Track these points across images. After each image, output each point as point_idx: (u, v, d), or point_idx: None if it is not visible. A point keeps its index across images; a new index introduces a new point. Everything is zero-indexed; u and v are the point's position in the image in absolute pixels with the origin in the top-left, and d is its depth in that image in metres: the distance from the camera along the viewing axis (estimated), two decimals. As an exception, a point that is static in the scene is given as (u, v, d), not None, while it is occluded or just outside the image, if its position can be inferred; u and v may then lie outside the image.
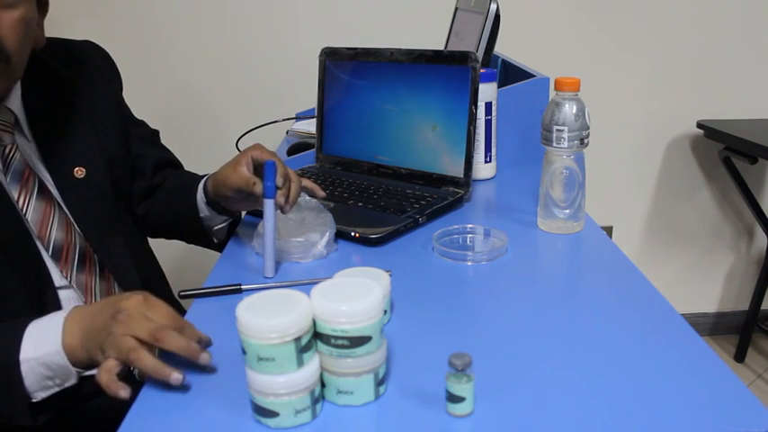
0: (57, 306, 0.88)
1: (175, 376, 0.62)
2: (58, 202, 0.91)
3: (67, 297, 0.89)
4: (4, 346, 0.70)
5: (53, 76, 0.97)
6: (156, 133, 1.15)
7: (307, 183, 0.96)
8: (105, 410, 0.87)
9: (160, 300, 0.70)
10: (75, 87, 0.98)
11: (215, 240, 1.06)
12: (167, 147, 1.16)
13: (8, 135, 0.88)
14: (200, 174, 1.07)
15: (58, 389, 0.72)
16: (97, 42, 1.09)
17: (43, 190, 0.89)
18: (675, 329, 0.70)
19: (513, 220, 1.03)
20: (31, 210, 0.87)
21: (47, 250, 0.88)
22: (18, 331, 0.71)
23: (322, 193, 0.98)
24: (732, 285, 2.31)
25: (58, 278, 0.89)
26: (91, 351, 0.68)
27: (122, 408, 0.61)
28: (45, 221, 0.88)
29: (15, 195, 0.87)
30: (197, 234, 1.05)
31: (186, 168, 1.18)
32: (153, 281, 1.04)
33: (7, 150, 0.87)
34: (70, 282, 0.90)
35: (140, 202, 1.08)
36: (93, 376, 0.94)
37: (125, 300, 0.68)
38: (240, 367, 0.58)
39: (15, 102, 0.90)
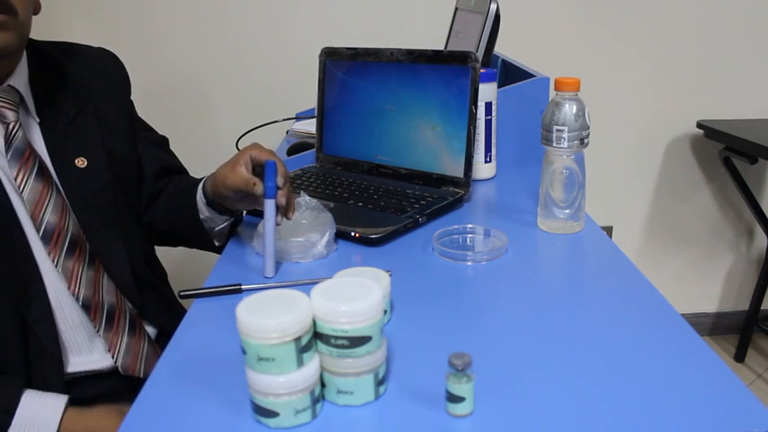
0: (39, 288, 0.88)
1: None
2: (57, 186, 0.92)
3: (51, 280, 0.90)
4: None
5: (64, 71, 0.99)
6: (164, 140, 1.16)
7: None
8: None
9: None
10: (85, 85, 1.01)
11: (216, 243, 1.05)
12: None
13: (12, 113, 0.90)
14: (201, 177, 1.07)
15: None
16: (97, 42, 1.09)
17: (42, 172, 0.91)
18: (675, 329, 0.70)
19: (513, 220, 1.03)
20: (27, 189, 0.89)
21: (37, 231, 0.89)
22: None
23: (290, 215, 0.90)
24: (732, 285, 2.31)
25: (43, 259, 0.90)
26: None
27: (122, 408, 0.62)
28: (40, 202, 0.90)
29: (14, 173, 0.88)
30: (198, 237, 1.05)
31: (186, 168, 1.18)
32: (148, 279, 1.04)
33: (11, 128, 0.89)
34: (56, 265, 0.90)
35: (145, 210, 1.09)
36: (90, 378, 0.95)
37: None
38: (240, 367, 0.58)
39: (21, 82, 0.91)
